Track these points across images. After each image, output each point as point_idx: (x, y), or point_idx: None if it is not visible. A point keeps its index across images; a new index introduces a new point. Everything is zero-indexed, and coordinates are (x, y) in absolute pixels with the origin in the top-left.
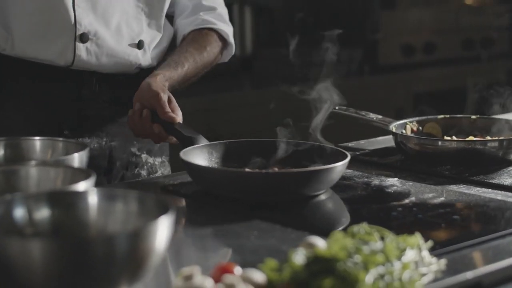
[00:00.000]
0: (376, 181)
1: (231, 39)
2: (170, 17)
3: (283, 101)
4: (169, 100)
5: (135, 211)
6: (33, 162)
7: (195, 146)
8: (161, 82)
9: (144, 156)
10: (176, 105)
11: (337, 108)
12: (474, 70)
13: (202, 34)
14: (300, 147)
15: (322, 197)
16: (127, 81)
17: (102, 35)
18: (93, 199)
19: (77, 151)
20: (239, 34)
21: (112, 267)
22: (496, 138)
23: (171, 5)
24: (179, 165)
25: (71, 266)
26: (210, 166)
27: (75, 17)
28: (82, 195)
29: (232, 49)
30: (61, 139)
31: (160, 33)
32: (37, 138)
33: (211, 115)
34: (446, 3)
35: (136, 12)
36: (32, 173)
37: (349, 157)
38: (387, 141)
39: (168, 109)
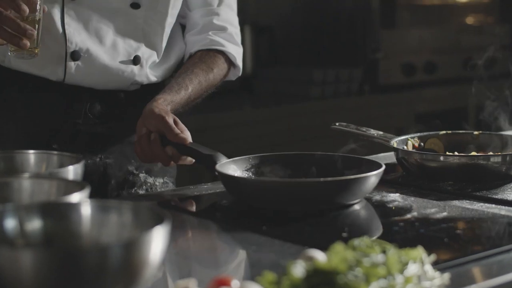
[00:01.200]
0: (377, 196)
1: (238, 62)
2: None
3: (282, 120)
4: (175, 122)
5: (129, 222)
6: (26, 175)
7: (227, 160)
8: (163, 105)
9: (142, 175)
10: (183, 125)
11: (337, 124)
12: (475, 90)
13: (210, 55)
14: (333, 158)
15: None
16: (125, 97)
17: (95, 52)
18: (86, 210)
19: (72, 164)
20: None
21: (106, 279)
22: (499, 153)
23: (183, 16)
24: (185, 185)
25: (62, 278)
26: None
27: (65, 36)
28: (75, 206)
29: (239, 71)
30: (55, 152)
31: (161, 50)
32: (31, 151)
33: (210, 134)
34: (446, 23)
35: (134, 29)
36: (25, 185)
37: (383, 167)
38: (388, 157)
39: (177, 130)
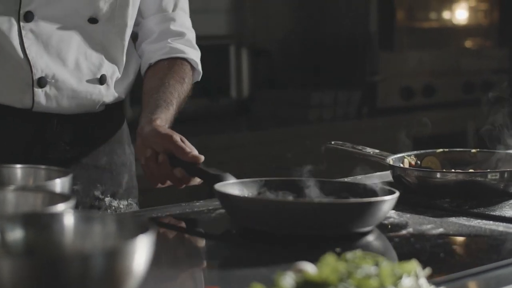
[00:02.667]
0: None
1: (199, 67)
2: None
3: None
4: (183, 141)
5: (113, 233)
6: (11, 187)
7: (226, 182)
8: (163, 125)
9: (107, 199)
10: (190, 144)
11: (332, 143)
12: (474, 113)
13: (178, 64)
14: (340, 184)
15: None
16: (91, 120)
17: (61, 77)
18: (69, 220)
19: (59, 177)
20: (236, 76)
21: None
22: (497, 170)
23: (136, 24)
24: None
25: (43, 287)
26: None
27: (29, 62)
28: (58, 216)
29: (200, 75)
30: (43, 166)
31: (122, 63)
32: (18, 165)
33: (207, 155)
34: (445, 46)
35: (94, 44)
36: (9, 198)
37: (397, 193)
38: (384, 176)
39: (188, 149)
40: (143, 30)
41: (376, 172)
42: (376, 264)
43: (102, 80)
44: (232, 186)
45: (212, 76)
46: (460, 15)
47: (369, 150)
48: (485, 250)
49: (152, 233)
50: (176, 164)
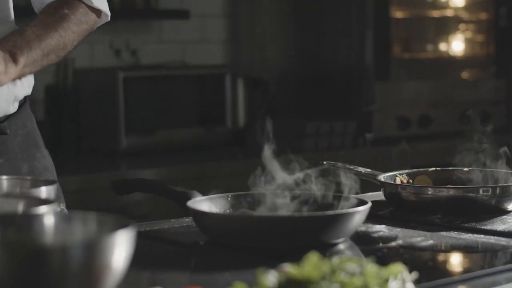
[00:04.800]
0: (362, 228)
1: (103, 7)
2: None
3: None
4: None
5: (94, 231)
6: None
7: (203, 198)
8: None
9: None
10: None
11: (325, 163)
12: (470, 145)
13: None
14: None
15: None
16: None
17: None
18: (49, 220)
19: (45, 186)
20: (231, 106)
21: (67, 281)
22: (489, 185)
23: None
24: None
25: (21, 280)
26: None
27: None
28: (38, 217)
29: (107, 17)
30: (29, 177)
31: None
32: (4, 177)
33: (204, 183)
34: (442, 77)
35: None
36: None
37: (370, 204)
38: (376, 196)
39: None
40: None
41: (368, 192)
42: (361, 266)
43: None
44: (203, 203)
45: (208, 105)
46: (456, 46)
47: (361, 169)
48: (474, 258)
49: (132, 230)
50: (146, 190)
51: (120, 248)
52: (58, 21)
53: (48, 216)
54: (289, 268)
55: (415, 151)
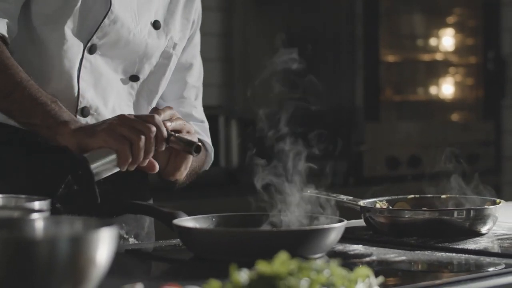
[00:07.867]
0: (339, 247)
1: (212, 155)
2: None
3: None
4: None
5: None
6: None
7: (182, 218)
8: None
9: (131, 239)
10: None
11: (308, 191)
12: (459, 186)
13: None
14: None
15: None
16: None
17: (102, 113)
18: (39, 224)
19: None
20: (224, 146)
21: (53, 275)
22: (463, 208)
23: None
24: None
25: (13, 272)
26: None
27: (78, 89)
28: (28, 221)
29: (209, 163)
30: (23, 196)
31: None
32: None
33: None
34: (431, 118)
35: (127, 99)
36: None
37: (345, 222)
38: (357, 223)
39: None
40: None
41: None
42: (328, 266)
43: None
44: (188, 221)
45: None
46: (446, 89)
47: (343, 196)
48: (443, 269)
49: (114, 229)
50: (135, 211)
51: (104, 244)
52: None
53: (39, 221)
54: (260, 266)
55: (404, 192)
